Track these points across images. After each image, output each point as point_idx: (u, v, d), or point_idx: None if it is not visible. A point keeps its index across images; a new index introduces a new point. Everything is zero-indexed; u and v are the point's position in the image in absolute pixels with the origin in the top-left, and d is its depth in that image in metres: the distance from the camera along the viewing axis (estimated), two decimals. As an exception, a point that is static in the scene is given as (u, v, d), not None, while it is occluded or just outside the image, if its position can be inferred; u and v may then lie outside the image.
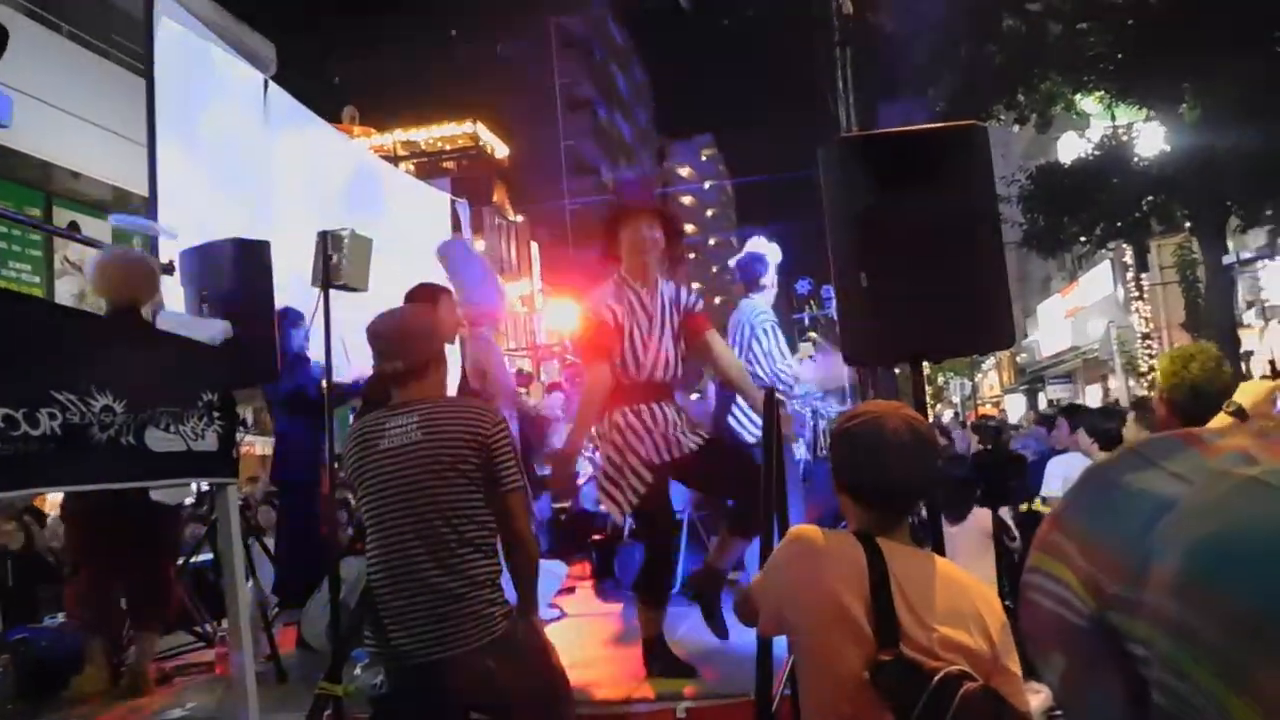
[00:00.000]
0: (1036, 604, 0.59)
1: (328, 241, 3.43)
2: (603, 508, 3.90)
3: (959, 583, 1.77)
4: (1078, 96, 13.71)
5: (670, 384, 3.93)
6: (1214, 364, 2.72)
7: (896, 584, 1.67)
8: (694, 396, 6.47)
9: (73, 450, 1.90)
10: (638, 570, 4.04)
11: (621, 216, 3.97)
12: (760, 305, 5.14)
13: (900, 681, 1.58)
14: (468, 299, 4.86)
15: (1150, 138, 13.00)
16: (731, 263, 5.47)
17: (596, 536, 6.76)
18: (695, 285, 5.46)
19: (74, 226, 10.29)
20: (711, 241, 68.12)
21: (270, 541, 5.14)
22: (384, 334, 2.53)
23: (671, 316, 3.89)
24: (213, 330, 3.88)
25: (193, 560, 4.89)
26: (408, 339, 2.52)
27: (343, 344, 3.95)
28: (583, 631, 4.95)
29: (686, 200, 69.25)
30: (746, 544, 3.91)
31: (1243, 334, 14.36)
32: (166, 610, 4.11)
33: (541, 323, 25.82)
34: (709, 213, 71.95)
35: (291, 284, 4.64)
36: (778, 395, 3.75)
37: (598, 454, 7.81)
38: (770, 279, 5.22)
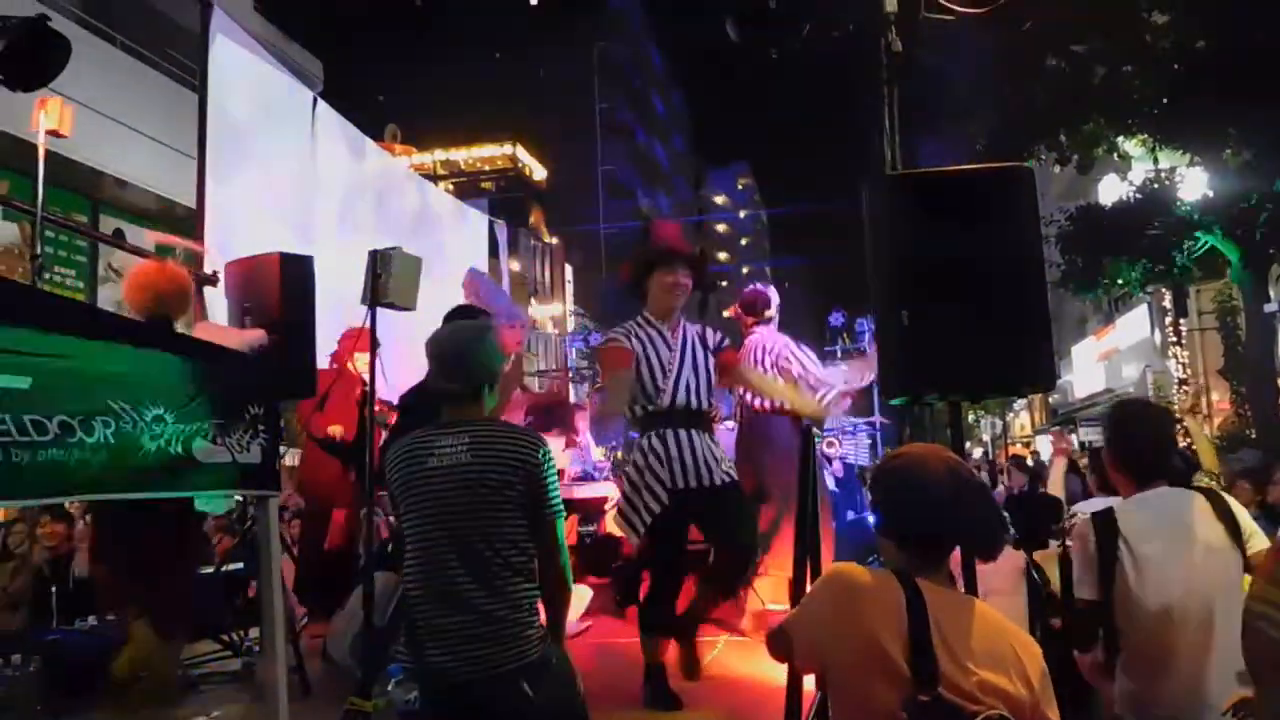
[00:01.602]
0: (1261, 633, 0.66)
1: (377, 260, 3.48)
2: (618, 533, 3.96)
3: (998, 627, 1.76)
4: (1120, 139, 13.61)
5: (700, 414, 4.00)
6: (1159, 420, 2.80)
7: (935, 626, 1.66)
8: (727, 425, 6.48)
9: (125, 459, 1.94)
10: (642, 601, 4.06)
11: (655, 260, 4.09)
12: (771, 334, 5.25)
13: None
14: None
15: (1193, 182, 12.87)
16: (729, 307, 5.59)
17: (619, 564, 6.74)
18: (726, 313, 5.52)
19: (119, 234, 10.51)
20: (745, 270, 68.09)
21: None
22: (449, 352, 2.54)
23: (696, 352, 4.03)
24: (247, 340, 3.93)
25: (222, 569, 4.93)
26: (474, 359, 2.53)
27: (380, 363, 4.00)
28: (603, 657, 4.93)
29: (721, 228, 69.41)
30: (724, 601, 3.97)
31: (1281, 382, 14.09)
32: (186, 620, 4.07)
33: (574, 345, 25.92)
34: (743, 241, 72.01)
35: (332, 299, 4.71)
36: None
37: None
38: (774, 313, 5.36)
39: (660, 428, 3.89)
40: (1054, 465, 5.82)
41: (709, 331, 4.17)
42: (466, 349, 2.55)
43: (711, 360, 4.06)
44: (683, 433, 3.88)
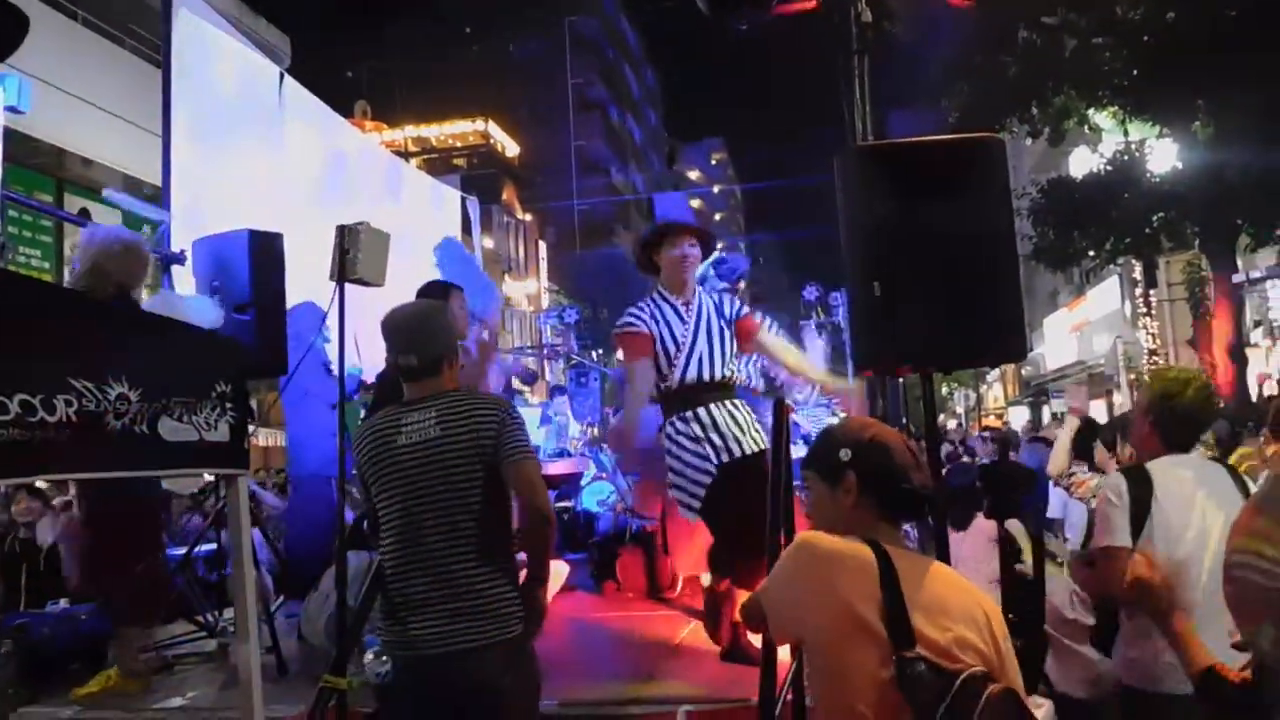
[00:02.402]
0: (1246, 580, 0.71)
1: (344, 236, 3.44)
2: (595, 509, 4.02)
3: (962, 586, 1.81)
4: (1091, 111, 13.70)
5: (717, 385, 4.04)
6: (1207, 393, 2.76)
7: (906, 587, 1.69)
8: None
9: (88, 438, 1.90)
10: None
11: (662, 234, 4.16)
12: None
13: (923, 682, 1.58)
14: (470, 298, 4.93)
15: (1163, 155, 12.99)
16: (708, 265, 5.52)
17: (594, 539, 6.77)
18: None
19: (84, 213, 10.32)
20: (720, 245, 68.10)
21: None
22: (402, 328, 2.55)
23: (713, 323, 4.07)
24: (205, 313, 3.89)
25: (195, 550, 4.88)
26: (426, 334, 2.54)
27: (354, 339, 3.96)
28: (582, 633, 4.95)
29: (695, 204, 69.22)
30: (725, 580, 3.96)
31: (1249, 353, 14.33)
32: (151, 604, 3.97)
33: (547, 322, 25.86)
34: (717, 217, 71.87)
35: (303, 276, 4.65)
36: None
37: (601, 455, 7.85)
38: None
39: (681, 409, 3.97)
40: (1066, 425, 5.66)
41: (727, 300, 4.23)
42: (421, 324, 2.56)
43: (728, 330, 4.09)
44: (703, 411, 3.94)
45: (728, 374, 4.07)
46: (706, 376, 3.98)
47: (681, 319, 4.03)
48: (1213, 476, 2.62)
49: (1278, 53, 11.07)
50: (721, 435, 3.89)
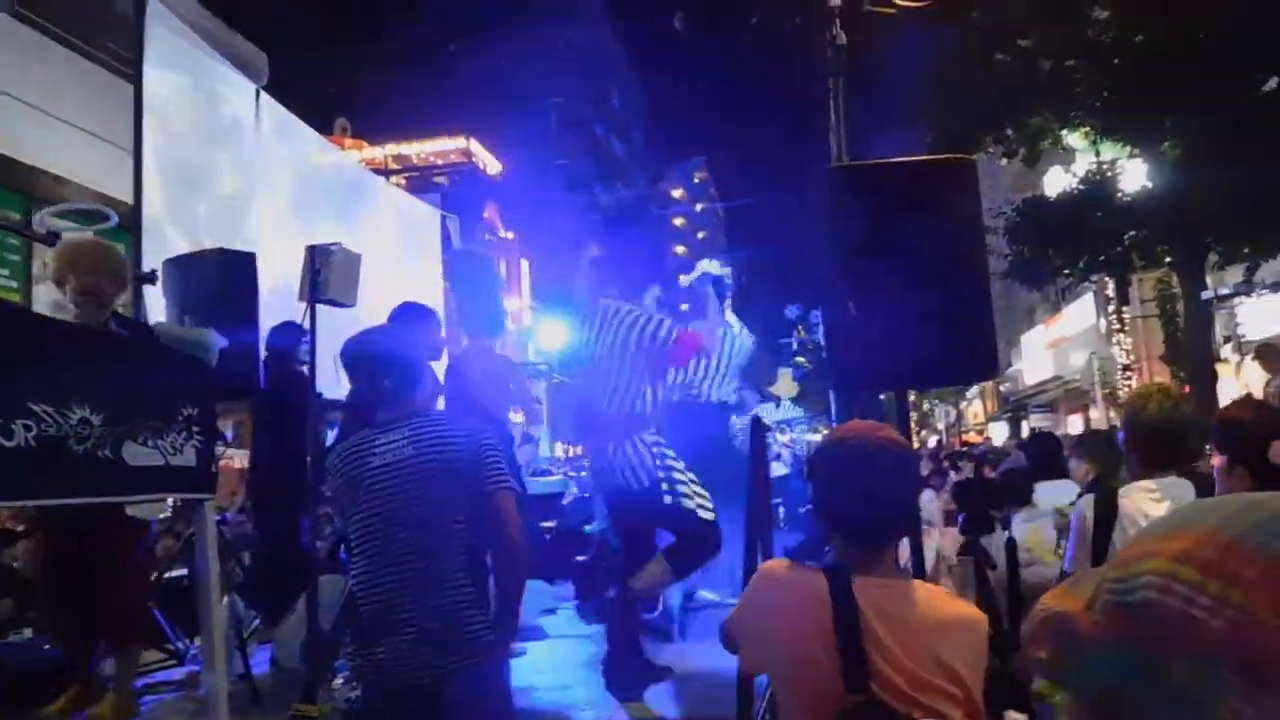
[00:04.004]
0: (1035, 621, 0.82)
1: (315, 256, 3.41)
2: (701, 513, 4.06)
3: (940, 611, 1.69)
4: (1064, 132, 13.88)
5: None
6: (1171, 403, 2.69)
7: (869, 621, 1.60)
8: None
9: (48, 463, 1.87)
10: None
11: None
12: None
13: None
14: (472, 313, 4.96)
15: (1134, 174, 13.17)
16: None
17: (581, 557, 6.73)
18: (684, 306, 5.52)
19: (54, 232, 10.20)
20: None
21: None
22: (367, 355, 2.52)
23: None
24: (211, 342, 3.83)
25: (166, 576, 4.80)
26: (396, 357, 2.51)
27: (335, 359, 3.93)
28: (565, 652, 4.91)
29: (678, 222, 69.51)
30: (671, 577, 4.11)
31: (1219, 368, 14.50)
32: (143, 626, 4.01)
33: (531, 340, 25.79)
34: (700, 235, 72.19)
35: (279, 296, 4.61)
36: None
37: (583, 474, 7.82)
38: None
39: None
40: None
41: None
42: (386, 348, 2.54)
43: None
44: None
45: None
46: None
47: None
48: (1181, 496, 2.55)
49: (1240, 75, 11.29)
50: None
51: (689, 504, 4.01)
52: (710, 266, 5.47)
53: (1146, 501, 2.52)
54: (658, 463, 4.02)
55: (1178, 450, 2.63)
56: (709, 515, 4.04)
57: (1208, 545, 0.70)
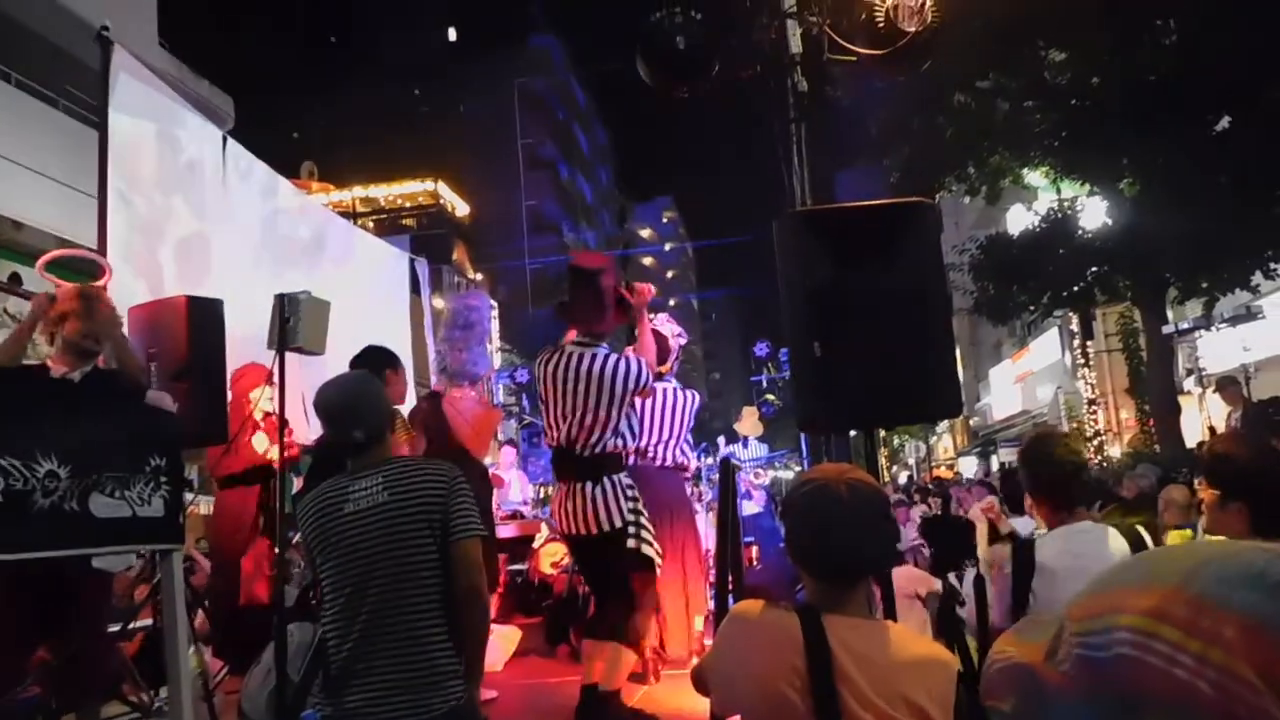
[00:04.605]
0: (994, 671, 0.84)
1: (284, 304, 3.41)
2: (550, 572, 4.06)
3: (912, 652, 1.72)
4: (1025, 171, 14.22)
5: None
6: (1063, 445, 2.77)
7: (840, 662, 1.62)
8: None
9: (13, 517, 1.85)
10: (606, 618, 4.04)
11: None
12: None
13: None
14: (475, 358, 5.06)
15: (1093, 212, 13.49)
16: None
17: (549, 601, 6.68)
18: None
19: (14, 278, 10.07)
20: (671, 302, 68.70)
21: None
22: (341, 405, 2.52)
23: None
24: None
25: (130, 626, 4.71)
26: (365, 406, 2.52)
27: (303, 404, 3.92)
28: (533, 698, 4.86)
29: (647, 261, 69.94)
30: (630, 655, 4.00)
31: (1182, 400, 14.76)
32: (104, 680, 3.91)
33: (500, 381, 25.72)
34: (669, 274, 72.66)
35: (247, 343, 4.60)
36: None
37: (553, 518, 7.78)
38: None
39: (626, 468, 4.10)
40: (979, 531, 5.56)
41: None
42: (358, 397, 2.54)
43: None
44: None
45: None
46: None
47: None
48: (1097, 544, 2.57)
49: (1191, 115, 11.66)
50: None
51: (648, 550, 4.02)
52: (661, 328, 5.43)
53: (1054, 548, 2.54)
54: (628, 505, 4.01)
55: (1082, 490, 2.71)
56: (660, 562, 4.11)
57: (1179, 602, 0.70)
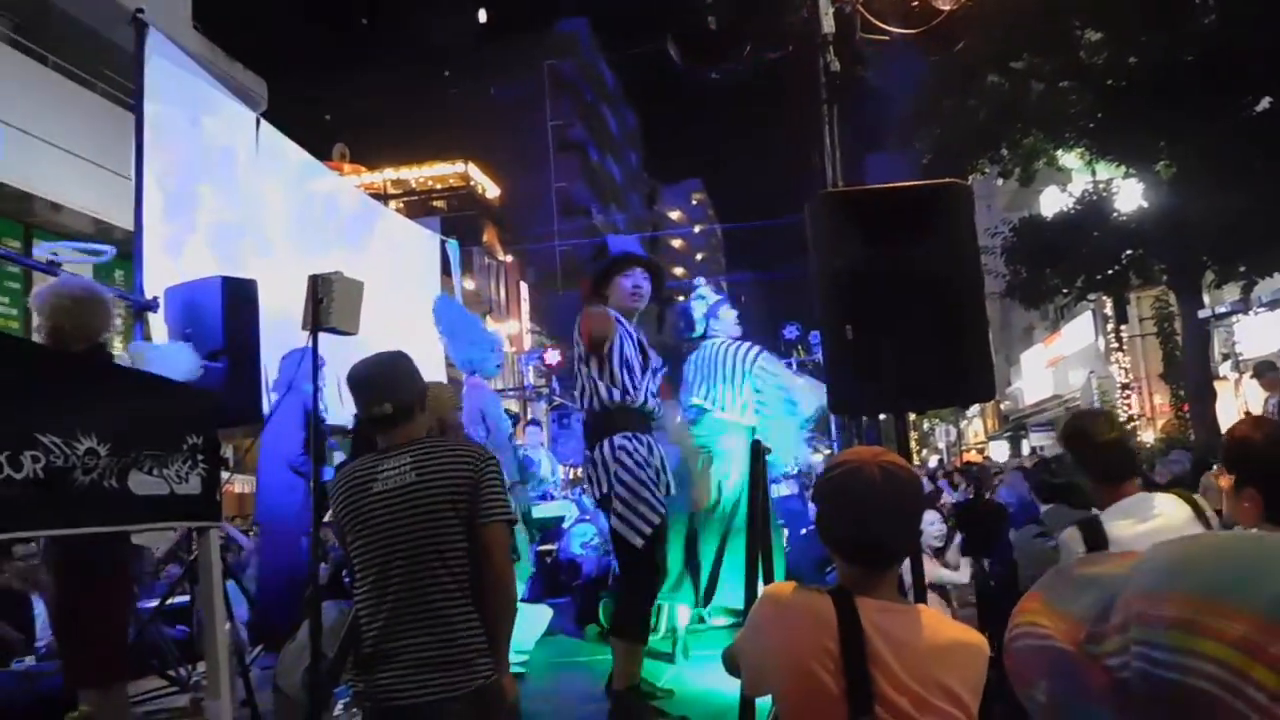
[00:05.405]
0: (1024, 648, 0.77)
1: (318, 285, 3.44)
2: (622, 530, 3.76)
3: (943, 636, 1.71)
4: (1059, 152, 13.99)
5: (651, 419, 4.02)
6: (1106, 423, 2.76)
7: (873, 644, 1.62)
8: None
9: (55, 494, 1.89)
10: (615, 610, 4.02)
11: (617, 264, 4.10)
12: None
13: None
14: (463, 353, 5.09)
15: (1129, 194, 13.26)
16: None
17: (580, 581, 6.72)
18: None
19: (53, 260, 10.21)
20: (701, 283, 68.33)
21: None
22: (372, 378, 2.53)
23: (650, 355, 4.06)
24: (183, 361, 3.82)
25: (168, 602, 4.80)
26: (396, 382, 2.53)
27: (338, 385, 3.95)
28: (564, 679, 4.90)
29: (676, 244, 69.73)
30: (638, 647, 3.82)
31: (1218, 386, 14.53)
32: (118, 662, 3.50)
33: (529, 363, 25.79)
34: (698, 256, 72.41)
35: (281, 323, 4.64)
36: None
37: (584, 497, 7.81)
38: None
39: (633, 429, 3.85)
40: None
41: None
42: (390, 373, 2.55)
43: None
44: (649, 439, 3.90)
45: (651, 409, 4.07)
46: (653, 406, 3.99)
47: (634, 341, 4.01)
48: (1161, 509, 2.58)
49: (1230, 96, 11.39)
50: (662, 471, 3.91)
51: (621, 527, 3.80)
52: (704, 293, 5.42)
53: (1123, 523, 2.53)
54: (615, 471, 3.81)
55: (1133, 461, 2.69)
56: (638, 541, 3.77)
57: (1270, 635, 0.62)
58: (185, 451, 2.24)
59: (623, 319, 4.01)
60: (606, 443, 3.85)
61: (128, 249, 5.47)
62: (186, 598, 4.89)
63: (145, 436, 2.16)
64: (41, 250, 6.14)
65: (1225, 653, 0.62)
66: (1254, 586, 0.65)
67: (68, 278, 3.83)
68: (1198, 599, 0.65)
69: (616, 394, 3.85)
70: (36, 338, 3.24)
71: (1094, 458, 2.68)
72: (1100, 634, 0.69)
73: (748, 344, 5.12)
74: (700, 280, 5.68)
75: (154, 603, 4.70)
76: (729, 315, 5.29)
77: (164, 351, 4.17)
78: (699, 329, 5.20)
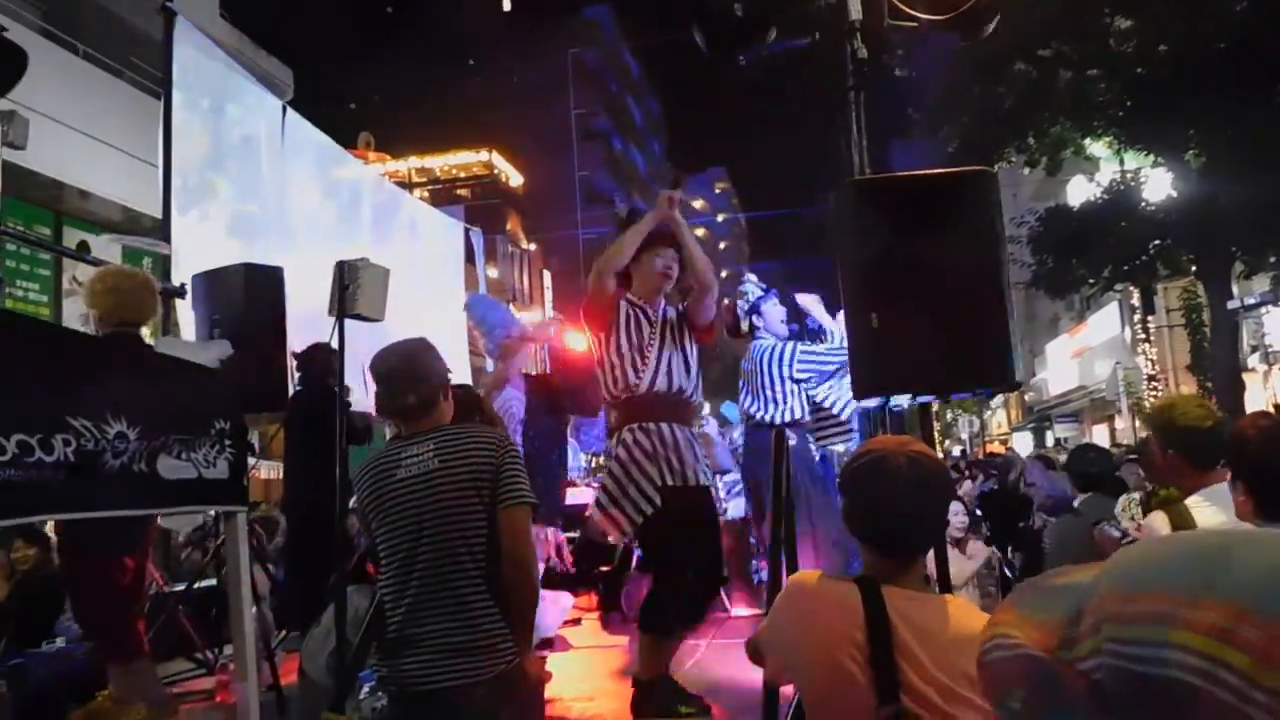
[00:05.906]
0: (998, 658, 0.78)
1: (344, 271, 3.46)
2: (601, 528, 3.68)
3: (971, 630, 1.62)
4: (1087, 141, 13.81)
5: (681, 404, 3.84)
6: (1200, 408, 2.70)
7: (899, 633, 1.62)
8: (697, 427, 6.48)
9: (85, 477, 1.91)
10: (643, 603, 3.98)
11: (649, 243, 3.92)
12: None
13: None
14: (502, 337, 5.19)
15: (1158, 183, 13.07)
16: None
17: (604, 568, 6.74)
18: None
19: (83, 247, 10.34)
20: (724, 274, 68.10)
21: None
22: (395, 369, 2.54)
23: (675, 331, 3.88)
24: (211, 353, 3.85)
25: (194, 586, 4.87)
26: (420, 371, 2.54)
27: (363, 373, 3.97)
28: (588, 665, 4.93)
29: (700, 233, 69.53)
30: (667, 641, 3.69)
31: (1246, 378, 14.33)
32: (124, 640, 3.54)
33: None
34: (721, 245, 72.14)
35: (307, 309, 4.67)
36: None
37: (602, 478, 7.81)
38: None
39: (642, 419, 3.73)
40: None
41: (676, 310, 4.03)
42: (413, 362, 2.55)
43: (691, 344, 3.89)
44: (664, 426, 3.72)
45: (692, 391, 3.90)
46: (674, 388, 3.80)
47: (649, 321, 3.84)
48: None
49: (1262, 86, 11.20)
50: (678, 457, 3.68)
51: (599, 519, 3.70)
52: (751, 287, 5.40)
53: (1209, 510, 2.48)
54: (609, 467, 3.75)
55: (1223, 444, 2.57)
56: (612, 538, 3.71)
57: (1247, 623, 0.62)
58: (213, 436, 2.27)
59: (635, 300, 3.88)
60: (613, 439, 3.84)
61: (157, 236, 5.51)
62: (214, 581, 4.95)
63: (174, 421, 2.19)
64: (98, 244, 6.23)
65: (1199, 641, 0.62)
66: (1222, 577, 0.64)
67: (119, 265, 3.86)
68: (1168, 594, 0.66)
69: (616, 387, 3.80)
70: (82, 323, 3.28)
71: (1191, 443, 2.62)
72: (1073, 638, 0.68)
73: (782, 345, 5.11)
74: (750, 277, 5.62)
75: (180, 587, 4.78)
76: (775, 313, 5.21)
77: (195, 349, 4.18)
78: (744, 325, 5.14)
